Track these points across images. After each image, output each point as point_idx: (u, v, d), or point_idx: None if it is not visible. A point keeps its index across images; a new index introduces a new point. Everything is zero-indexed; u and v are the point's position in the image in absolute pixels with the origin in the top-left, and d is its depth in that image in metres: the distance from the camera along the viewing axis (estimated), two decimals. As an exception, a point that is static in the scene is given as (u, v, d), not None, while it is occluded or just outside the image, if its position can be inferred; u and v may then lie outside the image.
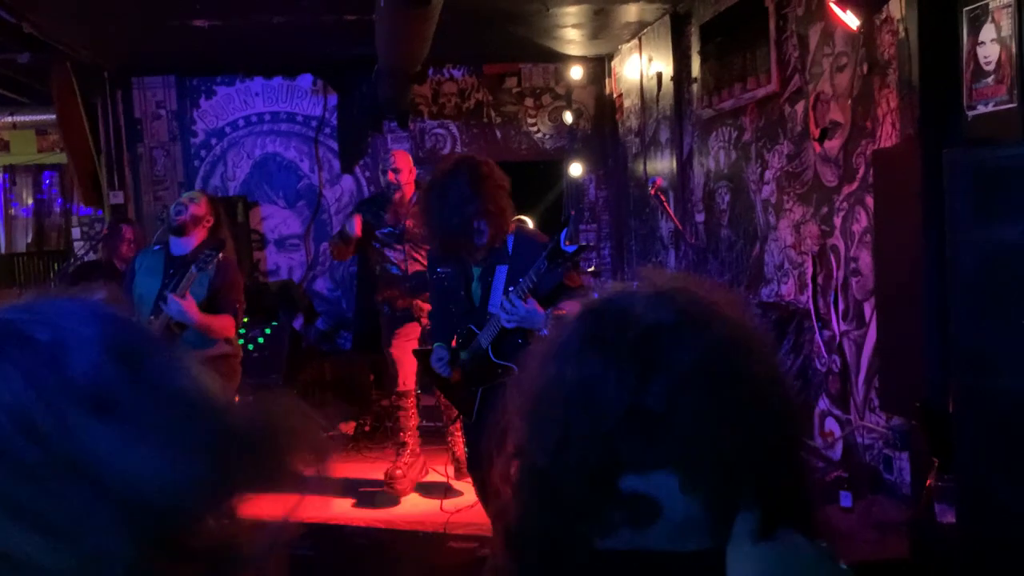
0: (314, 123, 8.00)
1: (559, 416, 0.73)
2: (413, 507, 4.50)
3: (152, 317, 3.57)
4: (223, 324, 3.76)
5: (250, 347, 6.38)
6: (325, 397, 6.24)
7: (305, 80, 7.97)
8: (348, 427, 5.78)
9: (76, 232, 8.96)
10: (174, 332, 3.61)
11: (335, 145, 8.04)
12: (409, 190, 5.02)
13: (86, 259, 6.70)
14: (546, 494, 0.73)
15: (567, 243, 2.92)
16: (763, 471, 0.72)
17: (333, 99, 7.98)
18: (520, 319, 2.96)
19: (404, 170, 4.99)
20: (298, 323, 6.98)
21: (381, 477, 4.71)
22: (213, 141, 7.94)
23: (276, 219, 7.99)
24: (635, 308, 0.76)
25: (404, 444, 4.88)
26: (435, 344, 3.43)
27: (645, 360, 0.72)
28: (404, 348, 4.76)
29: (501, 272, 3.18)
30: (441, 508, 4.38)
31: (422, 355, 3.71)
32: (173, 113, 7.84)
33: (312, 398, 6.25)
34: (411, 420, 4.92)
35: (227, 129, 7.95)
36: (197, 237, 3.84)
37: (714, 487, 0.70)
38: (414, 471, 4.82)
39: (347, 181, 8.11)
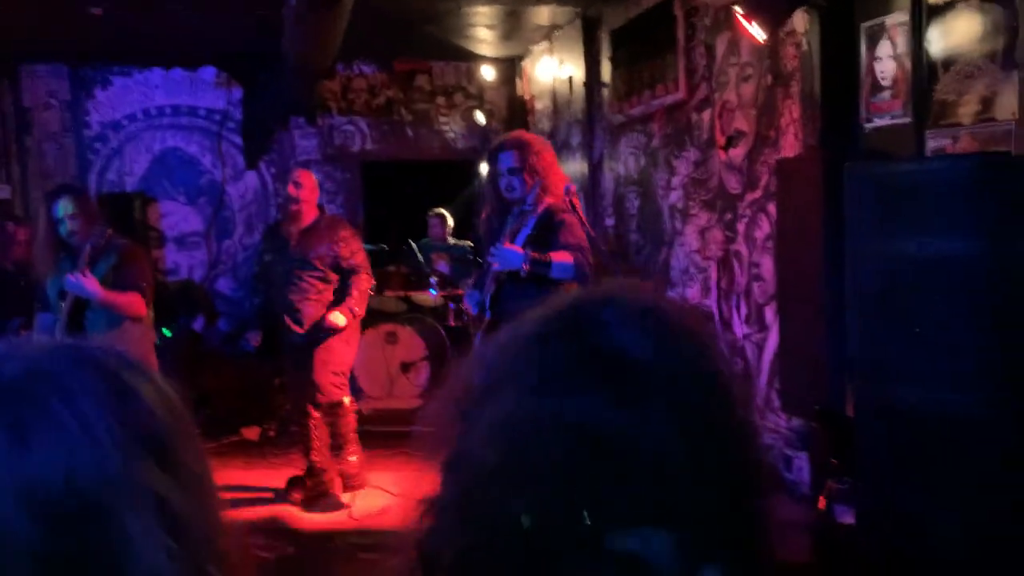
0: (217, 117, 7.75)
1: (556, 460, 0.65)
2: (321, 514, 4.39)
3: (62, 302, 3.81)
4: (128, 300, 3.87)
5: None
6: (228, 402, 6.05)
7: (208, 72, 7.71)
8: (252, 432, 5.61)
9: (-42, 227, 8.44)
10: (81, 314, 3.83)
11: (239, 140, 7.82)
12: (308, 209, 4.64)
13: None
14: (514, 556, 0.65)
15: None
16: (739, 523, 0.68)
17: (237, 93, 7.76)
18: (502, 258, 3.43)
19: (306, 187, 4.64)
20: (199, 324, 6.75)
21: (284, 484, 4.59)
22: (109, 134, 7.60)
23: (176, 216, 7.71)
24: (623, 333, 0.69)
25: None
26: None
27: (649, 397, 0.66)
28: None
29: (523, 235, 3.54)
30: (350, 515, 4.30)
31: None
32: (65, 104, 7.47)
33: (214, 403, 6.06)
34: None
35: (124, 122, 7.62)
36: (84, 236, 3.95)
37: (697, 540, 0.65)
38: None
39: (251, 177, 7.89)
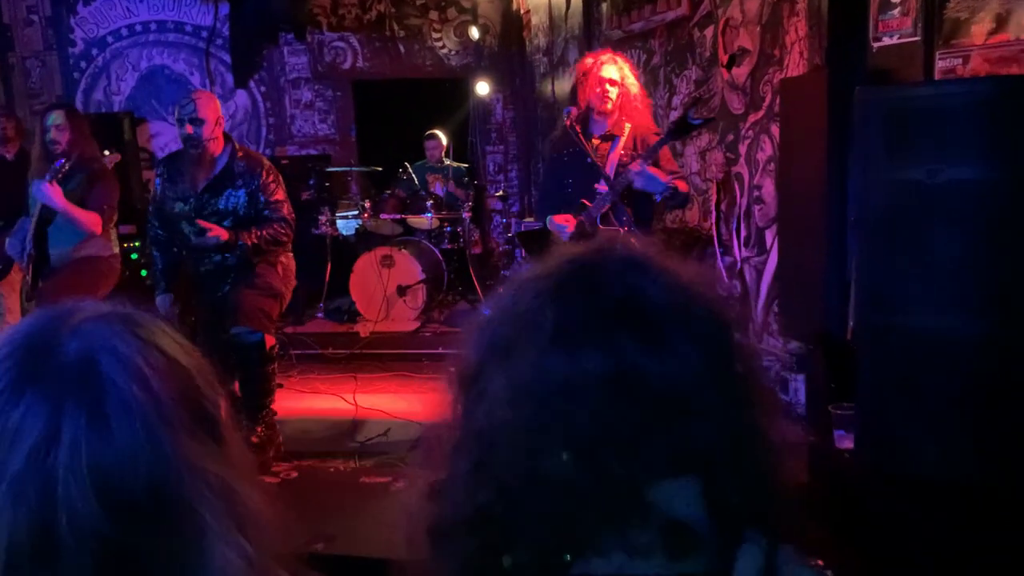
0: (204, 34, 7.54)
1: (590, 410, 0.65)
2: (321, 438, 4.44)
3: (32, 208, 4.23)
4: (87, 217, 4.16)
5: (143, 272, 6.10)
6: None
7: (193, -14, 7.48)
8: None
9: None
10: (46, 224, 4.21)
11: (227, 58, 7.62)
12: (216, 146, 3.83)
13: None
14: (542, 506, 0.64)
15: (694, 116, 3.51)
16: (767, 476, 0.69)
17: (224, 8, 7.52)
18: (646, 179, 3.53)
19: (209, 121, 3.74)
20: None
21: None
22: (94, 52, 7.40)
23: (167, 136, 7.57)
24: (631, 280, 0.70)
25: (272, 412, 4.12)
26: (548, 217, 3.84)
27: (670, 336, 0.67)
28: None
29: (616, 156, 3.72)
30: (351, 438, 4.35)
31: (528, 236, 4.17)
32: (47, 20, 7.25)
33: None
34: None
35: (109, 39, 7.41)
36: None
37: (731, 494, 0.66)
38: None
39: (241, 96, 7.73)
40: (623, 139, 3.72)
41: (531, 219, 4.62)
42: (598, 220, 3.70)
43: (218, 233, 3.73)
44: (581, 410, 0.65)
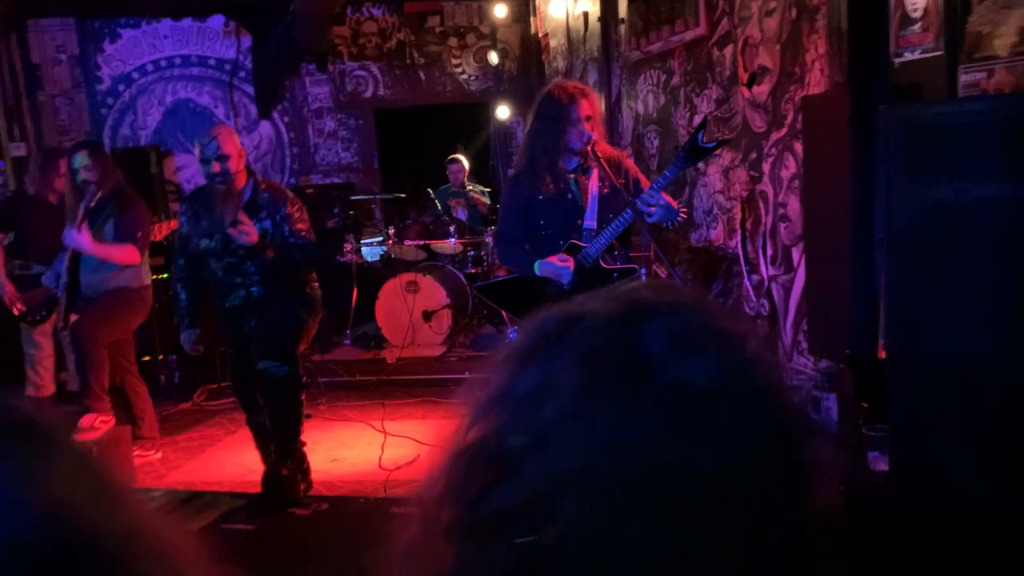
0: (228, 67, 7.66)
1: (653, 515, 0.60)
2: (351, 466, 4.45)
3: (67, 246, 4.36)
4: (122, 252, 4.31)
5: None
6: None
7: (216, 21, 7.60)
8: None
9: (-24, 186, 8.46)
10: (79, 257, 4.37)
11: (251, 89, 7.73)
12: (241, 179, 3.83)
13: (8, 193, 6.35)
14: None
15: (704, 140, 3.31)
16: (803, 512, 0.68)
17: (247, 41, 7.65)
18: (662, 212, 3.28)
19: (233, 155, 3.75)
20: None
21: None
22: (120, 88, 7.53)
23: (192, 169, 7.68)
24: (680, 365, 0.64)
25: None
26: (536, 263, 3.41)
27: (717, 428, 0.63)
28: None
29: (595, 188, 3.47)
30: (380, 465, 4.35)
31: (500, 288, 3.73)
32: (75, 58, 7.40)
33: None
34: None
35: (135, 75, 7.55)
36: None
37: (771, 540, 0.65)
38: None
39: (265, 127, 7.82)
40: (595, 169, 3.46)
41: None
42: (600, 260, 3.45)
43: (250, 229, 3.65)
44: (642, 515, 0.62)
